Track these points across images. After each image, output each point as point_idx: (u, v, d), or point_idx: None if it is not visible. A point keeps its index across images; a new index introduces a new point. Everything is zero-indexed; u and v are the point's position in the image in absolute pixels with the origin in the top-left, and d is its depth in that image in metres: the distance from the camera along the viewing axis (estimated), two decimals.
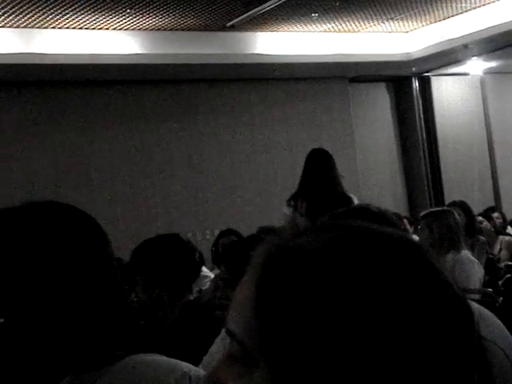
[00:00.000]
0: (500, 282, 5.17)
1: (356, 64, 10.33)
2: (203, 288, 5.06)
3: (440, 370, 0.66)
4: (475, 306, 2.15)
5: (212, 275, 5.51)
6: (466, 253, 4.75)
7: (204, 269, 6.02)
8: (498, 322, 2.19)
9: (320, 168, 4.91)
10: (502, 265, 6.19)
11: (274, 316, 0.67)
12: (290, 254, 0.70)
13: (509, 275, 4.94)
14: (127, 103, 9.66)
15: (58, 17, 7.85)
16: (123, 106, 9.63)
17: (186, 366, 1.32)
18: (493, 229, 7.41)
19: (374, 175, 11.55)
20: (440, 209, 5.01)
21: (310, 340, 0.65)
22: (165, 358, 1.32)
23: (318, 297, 0.66)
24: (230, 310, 0.73)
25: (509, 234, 7.68)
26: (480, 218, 7.16)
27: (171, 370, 1.28)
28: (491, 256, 6.04)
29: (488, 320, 2.15)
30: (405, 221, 8.38)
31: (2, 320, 1.23)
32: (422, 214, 4.85)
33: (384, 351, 0.65)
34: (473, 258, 4.82)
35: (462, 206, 5.91)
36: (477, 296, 4.39)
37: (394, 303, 0.66)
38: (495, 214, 8.45)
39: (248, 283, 0.71)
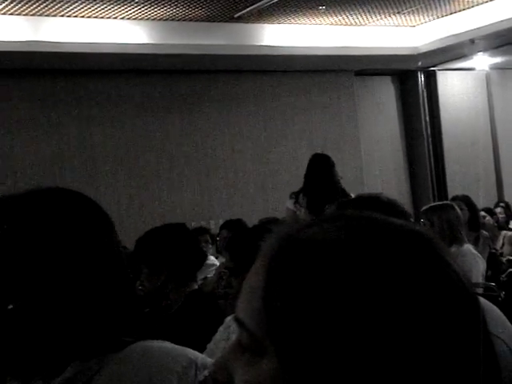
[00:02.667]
0: (502, 276, 5.18)
1: (362, 57, 10.31)
2: (208, 276, 5.10)
3: (446, 361, 0.67)
4: (482, 300, 2.14)
5: (218, 263, 5.53)
6: (468, 246, 4.75)
7: (210, 257, 6.05)
8: (501, 314, 2.18)
9: (321, 168, 5.30)
10: (505, 260, 6.20)
11: (283, 305, 0.67)
12: (301, 245, 0.70)
13: (511, 270, 4.94)
14: (134, 93, 9.66)
15: (66, 5, 7.86)
16: (129, 95, 9.63)
17: (193, 353, 1.32)
18: (495, 224, 7.42)
19: (378, 169, 11.55)
20: (440, 203, 5.00)
21: (318, 330, 0.66)
22: (171, 345, 1.32)
23: (327, 287, 0.66)
24: (239, 298, 0.73)
25: (511, 229, 7.68)
26: (483, 213, 7.17)
27: (178, 357, 1.27)
28: (494, 251, 6.05)
29: (491, 313, 2.15)
30: None
31: (11, 306, 1.22)
32: (423, 208, 4.86)
33: (392, 342, 0.65)
34: (475, 251, 4.82)
35: (466, 201, 5.91)
36: (479, 290, 4.40)
37: (404, 294, 0.66)
38: (498, 210, 8.45)
39: (257, 272, 0.72)
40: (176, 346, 1.32)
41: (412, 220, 6.88)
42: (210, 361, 1.30)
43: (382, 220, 0.73)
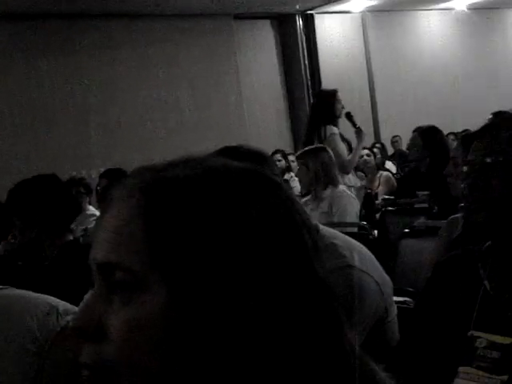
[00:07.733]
0: (376, 216, 5.37)
1: (241, 0, 10.25)
2: (89, 227, 5.07)
3: (286, 300, 0.73)
4: (352, 240, 2.36)
5: (98, 214, 5.49)
6: (343, 187, 4.92)
7: (91, 208, 6.02)
8: (370, 254, 2.37)
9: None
10: (380, 199, 6.39)
11: (167, 237, 0.72)
12: (171, 182, 0.75)
13: (383, 209, 5.14)
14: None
15: None
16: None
17: (54, 300, 1.34)
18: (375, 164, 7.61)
19: (259, 113, 11.61)
20: (313, 146, 5.14)
21: (198, 254, 0.72)
22: (32, 293, 1.35)
23: (200, 221, 0.72)
24: (101, 241, 0.75)
25: (387, 170, 7.93)
26: (366, 151, 7.34)
27: (38, 303, 1.30)
28: (369, 191, 6.25)
29: (362, 253, 2.33)
30: (290, 157, 8.54)
31: None
32: (298, 152, 4.97)
33: (245, 272, 0.72)
34: (349, 192, 4.99)
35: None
36: (354, 229, 4.56)
37: (250, 225, 0.74)
38: (375, 150, 8.67)
39: (124, 212, 0.74)
40: (37, 294, 1.35)
41: (291, 166, 7.20)
42: (71, 307, 1.33)
43: (229, 163, 0.79)
